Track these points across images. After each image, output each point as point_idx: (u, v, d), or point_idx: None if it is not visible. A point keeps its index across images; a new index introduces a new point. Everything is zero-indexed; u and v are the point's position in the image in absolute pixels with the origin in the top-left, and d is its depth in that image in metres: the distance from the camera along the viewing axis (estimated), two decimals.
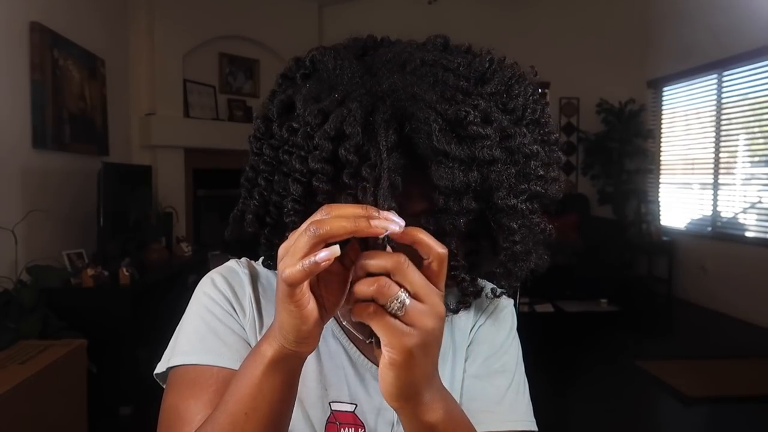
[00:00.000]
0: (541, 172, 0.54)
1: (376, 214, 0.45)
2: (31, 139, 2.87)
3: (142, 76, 4.25)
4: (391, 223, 0.44)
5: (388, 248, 0.47)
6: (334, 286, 0.48)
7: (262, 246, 0.62)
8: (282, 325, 0.47)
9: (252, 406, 0.50)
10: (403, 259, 0.45)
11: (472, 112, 0.50)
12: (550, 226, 0.58)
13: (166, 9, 4.29)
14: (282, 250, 0.46)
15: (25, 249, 2.71)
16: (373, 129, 0.50)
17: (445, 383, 0.71)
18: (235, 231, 0.62)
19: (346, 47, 0.61)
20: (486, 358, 0.72)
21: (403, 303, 0.44)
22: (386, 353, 0.46)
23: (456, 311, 0.60)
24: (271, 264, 0.65)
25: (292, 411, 0.54)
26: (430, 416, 0.50)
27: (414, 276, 0.45)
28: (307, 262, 0.43)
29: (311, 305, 0.46)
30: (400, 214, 0.46)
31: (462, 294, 0.57)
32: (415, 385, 0.48)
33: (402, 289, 0.44)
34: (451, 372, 0.71)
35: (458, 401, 0.73)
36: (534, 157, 0.54)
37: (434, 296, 0.46)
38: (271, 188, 0.57)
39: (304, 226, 0.45)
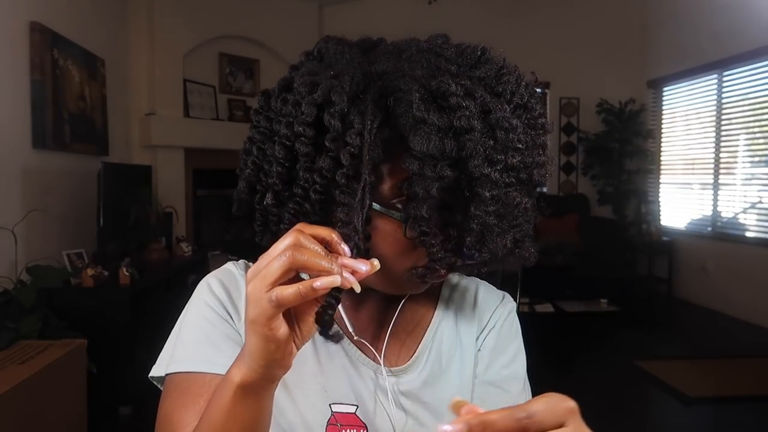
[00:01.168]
0: (519, 146, 0.54)
1: (347, 260, 0.48)
2: (31, 139, 2.86)
3: (142, 76, 4.25)
4: (358, 271, 0.47)
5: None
6: (308, 315, 0.49)
7: (255, 219, 0.63)
8: (252, 349, 0.47)
9: (224, 431, 0.50)
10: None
11: (454, 85, 0.51)
12: (528, 201, 0.57)
13: (166, 9, 4.29)
14: (251, 272, 0.46)
15: (25, 249, 2.71)
16: (360, 102, 0.52)
17: (454, 384, 0.71)
18: (241, 207, 0.64)
19: (354, 43, 0.64)
20: (498, 365, 0.72)
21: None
22: None
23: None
24: (262, 238, 0.65)
25: (267, 430, 0.54)
26: None
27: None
28: (303, 286, 0.44)
29: (284, 329, 0.46)
30: (379, 190, 0.51)
31: (431, 260, 0.56)
32: None
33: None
34: (459, 373, 0.71)
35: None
36: (512, 131, 0.53)
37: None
38: (263, 156, 0.59)
39: (278, 247, 0.46)
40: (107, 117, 3.69)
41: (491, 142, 0.52)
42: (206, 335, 0.64)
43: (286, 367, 0.49)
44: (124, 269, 2.83)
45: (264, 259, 0.46)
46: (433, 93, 0.51)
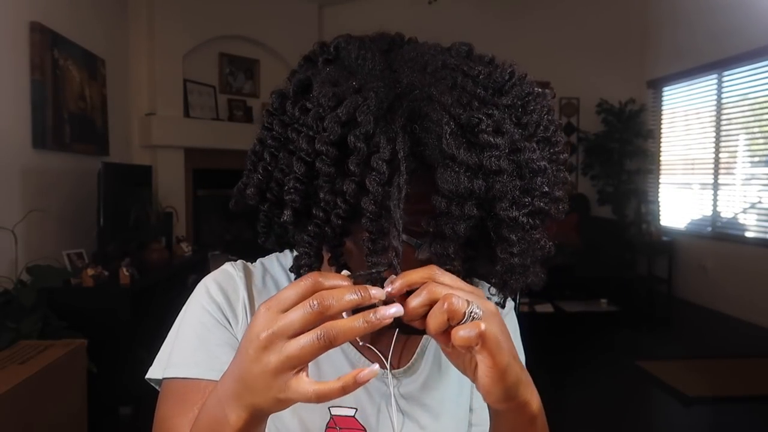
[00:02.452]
0: (546, 189, 0.54)
1: (374, 297, 0.46)
2: (31, 139, 2.86)
3: (142, 76, 4.25)
4: (392, 307, 0.46)
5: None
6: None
7: (259, 221, 0.62)
8: (247, 389, 0.46)
9: None
10: (436, 269, 0.48)
11: (485, 119, 0.50)
12: (550, 243, 0.58)
13: (166, 9, 4.29)
14: (270, 306, 0.45)
15: (25, 249, 2.71)
16: (386, 123, 0.50)
17: (453, 385, 0.71)
18: (238, 203, 0.62)
19: (372, 40, 0.61)
20: None
21: (475, 313, 0.46)
22: (487, 368, 0.47)
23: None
24: (270, 239, 0.65)
25: None
26: (530, 409, 0.53)
27: (454, 279, 0.49)
28: (338, 384, 0.45)
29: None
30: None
31: None
32: (516, 385, 0.50)
33: (466, 300, 0.46)
34: (458, 373, 0.71)
35: (468, 406, 0.73)
36: (541, 174, 0.53)
37: (479, 293, 0.49)
38: (275, 164, 0.57)
39: (299, 291, 0.45)
40: (107, 117, 3.69)
41: (518, 182, 0.52)
42: (203, 341, 0.64)
43: (284, 404, 0.47)
44: (124, 269, 2.83)
45: (281, 297, 0.45)
46: (463, 127, 0.50)
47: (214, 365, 0.62)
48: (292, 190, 0.54)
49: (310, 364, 0.66)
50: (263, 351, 0.44)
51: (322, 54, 0.60)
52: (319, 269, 0.57)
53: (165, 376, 0.64)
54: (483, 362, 0.47)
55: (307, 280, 0.45)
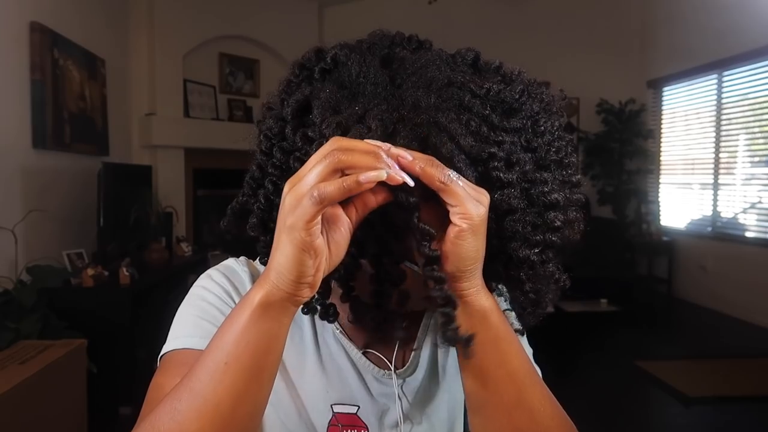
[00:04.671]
0: (559, 223, 0.52)
1: (388, 160, 0.45)
2: (31, 139, 2.86)
3: (142, 76, 4.25)
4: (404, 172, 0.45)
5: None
6: (339, 235, 0.47)
7: (260, 248, 0.60)
8: (283, 261, 0.45)
9: (234, 355, 0.46)
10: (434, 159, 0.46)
11: (496, 153, 0.49)
12: (565, 276, 0.57)
13: (166, 9, 4.29)
14: (290, 180, 0.45)
15: (25, 249, 2.71)
16: None
17: (452, 380, 0.71)
18: (231, 223, 0.60)
19: (371, 47, 0.58)
20: None
21: (458, 177, 0.46)
22: (459, 221, 0.46)
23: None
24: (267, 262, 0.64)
25: (276, 368, 0.50)
26: (484, 301, 0.51)
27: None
28: (349, 180, 0.42)
29: (321, 239, 0.44)
30: None
31: None
32: (475, 261, 0.48)
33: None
34: (455, 380, 0.71)
35: (463, 404, 0.73)
36: (554, 208, 0.52)
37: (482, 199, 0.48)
38: (278, 193, 0.54)
39: (320, 153, 0.44)
40: (107, 117, 3.69)
41: (530, 219, 0.51)
42: (207, 315, 0.62)
43: (313, 287, 0.47)
44: (124, 269, 2.83)
45: (307, 165, 0.44)
46: (473, 160, 0.49)
47: None
48: None
49: (314, 363, 0.66)
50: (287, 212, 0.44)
51: (318, 63, 0.57)
52: (327, 302, 0.58)
53: (164, 351, 0.61)
54: (460, 214, 0.46)
55: (328, 145, 0.45)
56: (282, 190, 0.53)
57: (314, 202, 0.42)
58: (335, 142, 0.45)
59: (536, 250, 0.52)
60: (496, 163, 0.49)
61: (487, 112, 0.50)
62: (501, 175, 0.49)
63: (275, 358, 0.49)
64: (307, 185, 0.43)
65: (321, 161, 0.43)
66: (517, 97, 0.52)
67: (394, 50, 0.58)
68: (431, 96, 0.51)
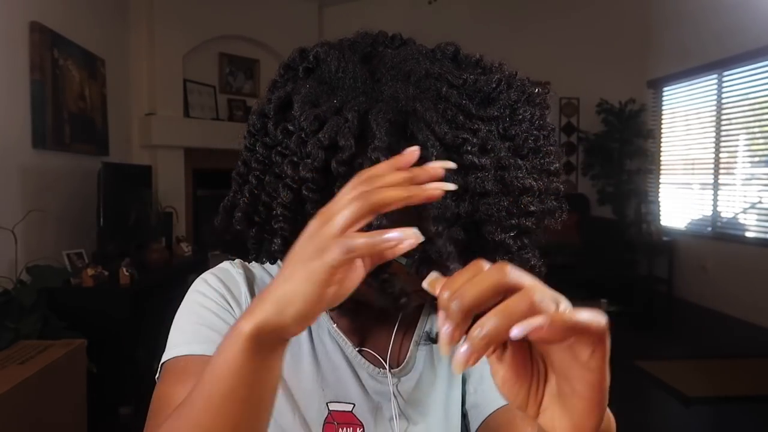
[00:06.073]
0: (533, 208, 0.52)
1: (422, 173, 0.41)
2: (31, 139, 2.87)
3: (142, 76, 4.25)
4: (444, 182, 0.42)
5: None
6: (354, 274, 0.43)
7: (250, 244, 0.60)
8: (290, 295, 0.41)
9: (229, 388, 0.44)
10: (507, 265, 0.37)
11: (470, 139, 0.49)
12: (540, 262, 0.57)
13: (166, 9, 4.29)
14: (320, 214, 0.42)
15: (25, 249, 2.71)
16: (367, 139, 0.49)
17: (447, 378, 0.71)
18: (224, 221, 0.60)
19: (353, 44, 0.59)
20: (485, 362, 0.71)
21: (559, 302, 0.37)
22: (584, 379, 0.37)
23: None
24: (261, 258, 0.62)
25: (275, 395, 0.48)
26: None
27: (528, 277, 0.37)
28: (382, 245, 0.39)
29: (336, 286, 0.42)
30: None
31: None
32: (604, 402, 0.39)
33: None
34: (450, 377, 0.71)
35: (460, 402, 0.73)
36: (528, 192, 0.52)
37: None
38: (261, 187, 0.56)
39: (349, 193, 0.41)
40: (107, 117, 3.69)
41: (504, 203, 0.51)
42: (205, 321, 0.63)
43: (309, 323, 0.43)
44: (124, 269, 2.83)
45: (336, 201, 0.42)
46: (447, 146, 0.48)
47: (216, 339, 0.59)
48: (280, 218, 0.53)
49: (309, 362, 0.66)
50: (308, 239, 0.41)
51: (302, 62, 0.58)
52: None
53: (164, 360, 0.61)
54: (594, 359, 0.37)
55: (356, 179, 0.43)
56: (264, 185, 0.55)
57: (343, 251, 0.39)
58: (362, 176, 0.42)
59: (511, 234, 0.52)
60: (469, 148, 0.49)
61: (464, 101, 0.51)
62: (475, 159, 0.49)
63: (274, 387, 0.47)
64: (336, 228, 0.40)
65: (350, 204, 0.40)
66: (494, 86, 0.52)
67: (377, 48, 0.59)
68: (409, 87, 0.51)
